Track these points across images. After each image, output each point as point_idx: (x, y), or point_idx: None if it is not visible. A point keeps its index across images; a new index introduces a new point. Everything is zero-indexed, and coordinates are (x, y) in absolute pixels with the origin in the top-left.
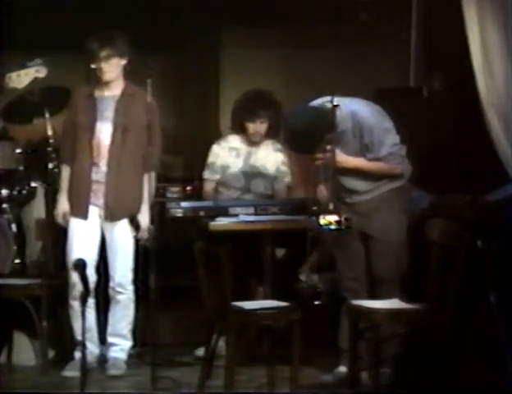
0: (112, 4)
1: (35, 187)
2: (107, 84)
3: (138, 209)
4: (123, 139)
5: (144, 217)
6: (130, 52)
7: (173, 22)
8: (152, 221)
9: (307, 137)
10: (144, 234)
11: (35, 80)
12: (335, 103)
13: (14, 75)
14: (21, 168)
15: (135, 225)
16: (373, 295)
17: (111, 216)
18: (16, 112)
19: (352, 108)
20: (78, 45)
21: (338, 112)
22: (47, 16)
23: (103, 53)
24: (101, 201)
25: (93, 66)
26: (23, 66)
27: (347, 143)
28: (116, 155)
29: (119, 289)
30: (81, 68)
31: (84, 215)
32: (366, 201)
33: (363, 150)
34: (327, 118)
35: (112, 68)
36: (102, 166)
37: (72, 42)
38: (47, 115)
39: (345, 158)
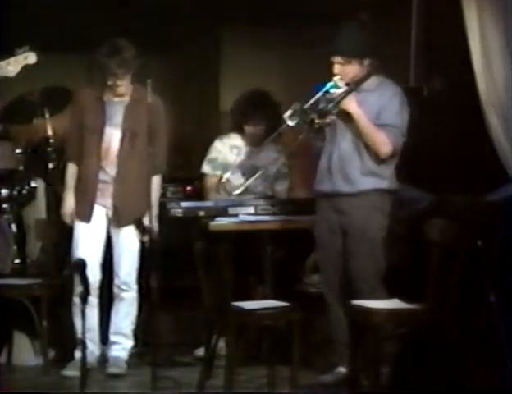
0: (113, 4)
1: (35, 187)
2: (116, 94)
3: (144, 213)
4: (132, 144)
5: (152, 221)
6: (138, 61)
7: (173, 22)
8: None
9: (352, 38)
10: (151, 237)
11: (25, 67)
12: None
13: (3, 63)
14: (21, 168)
15: (142, 228)
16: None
17: (119, 222)
18: (16, 112)
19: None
20: (78, 45)
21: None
22: (47, 16)
23: (119, 72)
24: (108, 201)
25: (109, 82)
26: (12, 54)
27: (366, 103)
28: (125, 161)
29: (124, 287)
30: (81, 68)
31: (87, 219)
32: (348, 197)
33: (373, 116)
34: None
35: (125, 83)
36: (110, 170)
37: (72, 42)
38: (47, 115)
39: (353, 104)
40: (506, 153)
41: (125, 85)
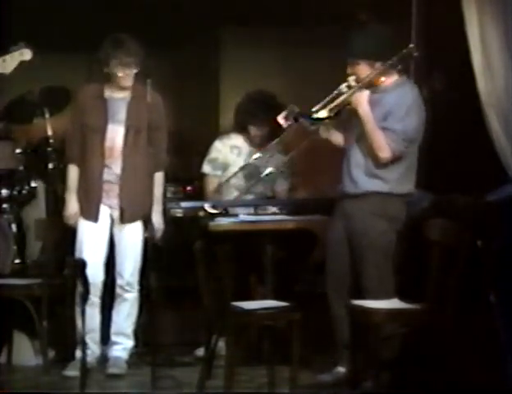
0: (112, 4)
1: (35, 187)
2: (120, 87)
3: (150, 209)
4: (135, 140)
5: (157, 217)
6: (143, 54)
7: (173, 22)
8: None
9: (361, 40)
10: (157, 233)
11: (21, 63)
12: None
13: None
14: (21, 168)
15: (148, 225)
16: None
17: (126, 219)
18: (16, 112)
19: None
20: (78, 45)
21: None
22: (47, 16)
23: (128, 61)
24: (114, 201)
25: (116, 72)
26: (8, 51)
27: (379, 103)
28: (130, 157)
29: (128, 288)
30: (81, 68)
31: (94, 218)
32: (352, 199)
33: (382, 118)
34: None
35: (131, 75)
36: (115, 168)
37: (72, 42)
38: (47, 115)
39: (363, 100)
40: (506, 153)
41: (130, 77)
